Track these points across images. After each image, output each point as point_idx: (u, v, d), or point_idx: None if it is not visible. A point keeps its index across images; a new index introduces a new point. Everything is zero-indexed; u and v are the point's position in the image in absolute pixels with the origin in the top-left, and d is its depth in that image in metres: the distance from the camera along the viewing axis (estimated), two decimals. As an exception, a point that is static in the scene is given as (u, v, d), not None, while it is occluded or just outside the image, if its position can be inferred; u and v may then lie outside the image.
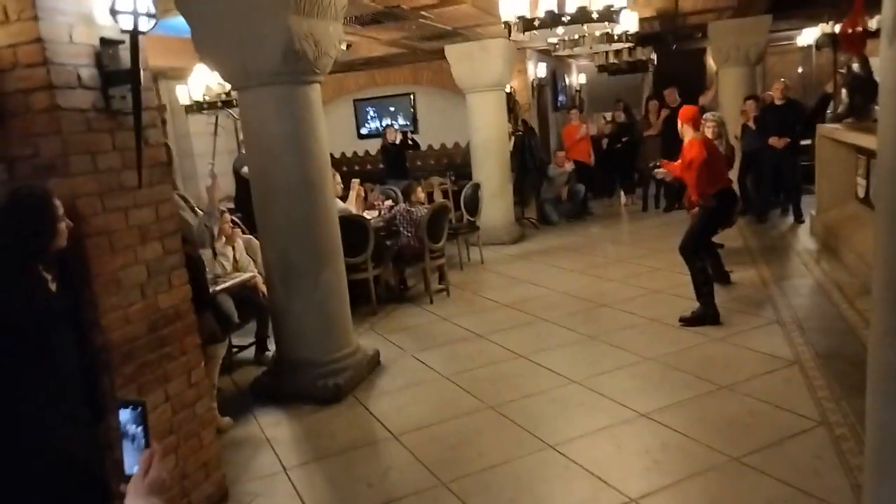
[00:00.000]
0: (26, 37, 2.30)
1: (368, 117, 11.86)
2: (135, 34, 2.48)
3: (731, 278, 5.92)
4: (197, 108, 6.86)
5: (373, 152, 11.11)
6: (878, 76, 2.01)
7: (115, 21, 2.47)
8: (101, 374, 2.52)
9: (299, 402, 4.22)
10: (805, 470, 3.00)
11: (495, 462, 3.35)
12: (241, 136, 7.91)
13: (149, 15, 2.48)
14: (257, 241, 5.14)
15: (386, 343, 5.24)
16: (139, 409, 1.30)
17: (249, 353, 5.23)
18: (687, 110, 5.25)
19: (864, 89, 6.33)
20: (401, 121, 11.45)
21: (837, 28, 7.74)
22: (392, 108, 11.67)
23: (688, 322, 4.97)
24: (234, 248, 4.99)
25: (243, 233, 5.39)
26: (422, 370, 4.69)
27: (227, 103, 6.62)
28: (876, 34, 5.84)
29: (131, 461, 1.28)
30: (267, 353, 5.08)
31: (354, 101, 11.54)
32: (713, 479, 3.02)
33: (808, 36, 10.79)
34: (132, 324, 2.68)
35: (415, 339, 5.36)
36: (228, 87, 6.60)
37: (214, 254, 4.70)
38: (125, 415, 1.29)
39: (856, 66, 6.70)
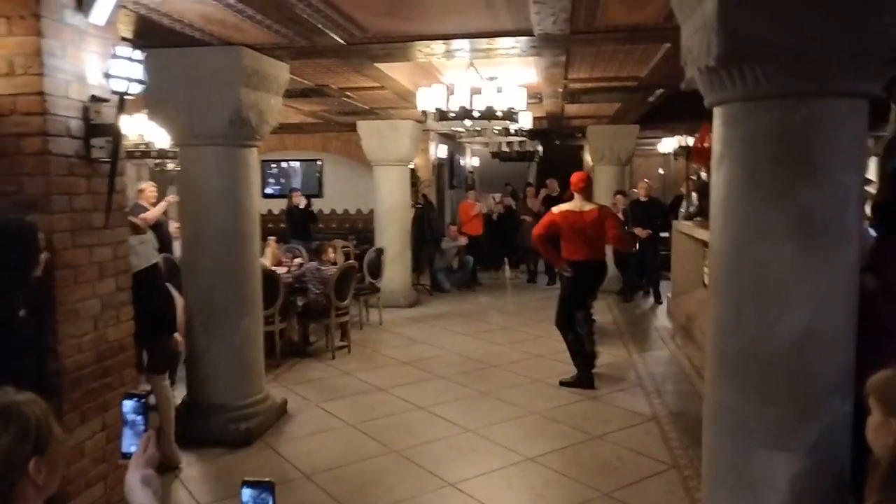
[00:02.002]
0: (30, 89, 2.59)
1: (274, 178, 12.15)
2: (123, 96, 2.84)
3: (600, 352, 5.93)
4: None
5: (276, 211, 11.35)
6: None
7: (108, 83, 2.81)
8: (52, 398, 2.69)
9: (209, 446, 4.36)
10: (660, 502, 3.66)
11: (402, 497, 3.73)
12: (139, 187, 7.91)
13: (140, 81, 2.85)
14: (173, 290, 5.28)
15: (291, 393, 5.48)
16: (143, 400, 1.62)
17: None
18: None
19: (710, 194, 7.62)
20: (307, 185, 11.84)
21: (690, 142, 9.27)
22: (299, 172, 12.07)
23: (566, 384, 5.66)
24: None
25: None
26: (328, 418, 4.98)
27: (146, 154, 6.75)
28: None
29: (129, 442, 1.58)
30: (172, 398, 5.14)
31: (262, 161, 11.80)
32: (587, 510, 3.61)
33: (668, 145, 12.60)
34: (83, 352, 2.88)
35: (319, 391, 5.64)
36: (146, 138, 6.77)
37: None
38: (129, 405, 1.60)
39: (703, 175, 8.08)
